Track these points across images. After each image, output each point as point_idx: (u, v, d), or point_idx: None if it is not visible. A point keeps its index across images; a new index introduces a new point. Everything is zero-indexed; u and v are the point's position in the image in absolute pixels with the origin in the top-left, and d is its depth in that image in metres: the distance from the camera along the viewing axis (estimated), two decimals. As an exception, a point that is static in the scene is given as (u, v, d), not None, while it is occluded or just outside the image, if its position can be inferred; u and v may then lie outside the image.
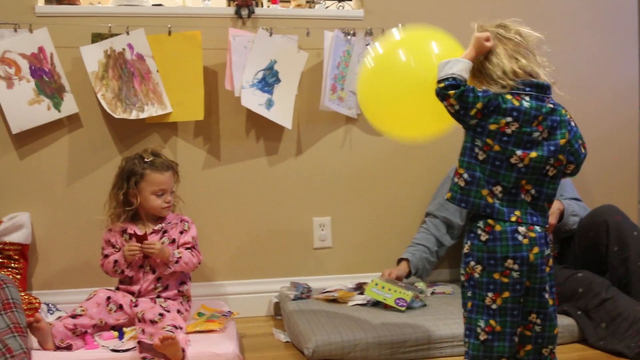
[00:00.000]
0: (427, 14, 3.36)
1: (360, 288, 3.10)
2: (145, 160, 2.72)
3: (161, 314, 2.46)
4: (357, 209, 3.35)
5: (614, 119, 3.67)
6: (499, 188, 1.91)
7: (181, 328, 2.47)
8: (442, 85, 1.91)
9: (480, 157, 1.91)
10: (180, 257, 2.67)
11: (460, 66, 1.91)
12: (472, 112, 1.89)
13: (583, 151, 2.00)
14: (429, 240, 3.19)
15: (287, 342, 2.76)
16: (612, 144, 3.66)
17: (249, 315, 3.16)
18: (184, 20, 3.11)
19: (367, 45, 3.20)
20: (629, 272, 2.73)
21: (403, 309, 2.78)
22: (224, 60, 3.11)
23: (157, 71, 3.03)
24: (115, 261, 2.65)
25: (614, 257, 2.78)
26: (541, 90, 1.92)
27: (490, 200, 1.91)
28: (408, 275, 3.11)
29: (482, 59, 1.96)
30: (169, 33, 3.04)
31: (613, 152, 3.67)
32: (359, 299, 2.96)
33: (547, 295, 1.95)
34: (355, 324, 2.61)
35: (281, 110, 3.13)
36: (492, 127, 1.88)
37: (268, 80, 3.11)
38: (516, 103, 1.89)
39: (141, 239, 2.62)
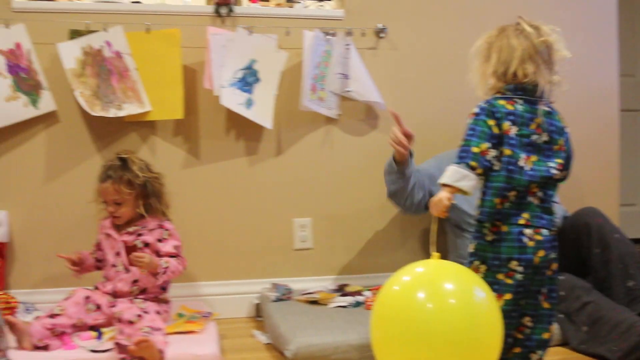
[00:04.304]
0: (408, 14, 3.36)
1: (341, 289, 3.09)
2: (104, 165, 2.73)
3: (139, 315, 2.42)
4: (338, 210, 3.32)
5: (594, 121, 3.66)
6: (514, 192, 1.91)
7: (160, 329, 2.42)
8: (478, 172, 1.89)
9: (496, 167, 1.92)
10: (167, 267, 2.62)
11: (458, 176, 1.87)
12: (497, 132, 1.90)
13: (572, 156, 2.03)
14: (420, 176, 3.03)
15: (267, 343, 2.73)
16: (593, 146, 3.65)
17: (229, 317, 3.12)
18: (162, 18, 3.07)
19: (346, 45, 3.18)
20: (611, 274, 2.72)
21: None
22: (202, 59, 3.07)
23: (136, 69, 2.98)
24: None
25: (596, 260, 2.78)
26: (532, 94, 1.93)
27: (499, 206, 1.91)
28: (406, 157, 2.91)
29: (494, 50, 1.98)
30: (148, 31, 3.00)
31: (594, 155, 3.66)
32: (340, 300, 2.94)
33: (541, 298, 1.94)
34: (336, 325, 2.58)
35: (261, 110, 3.10)
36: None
37: (247, 80, 3.08)
38: (510, 107, 1.90)
39: (130, 250, 2.62)
